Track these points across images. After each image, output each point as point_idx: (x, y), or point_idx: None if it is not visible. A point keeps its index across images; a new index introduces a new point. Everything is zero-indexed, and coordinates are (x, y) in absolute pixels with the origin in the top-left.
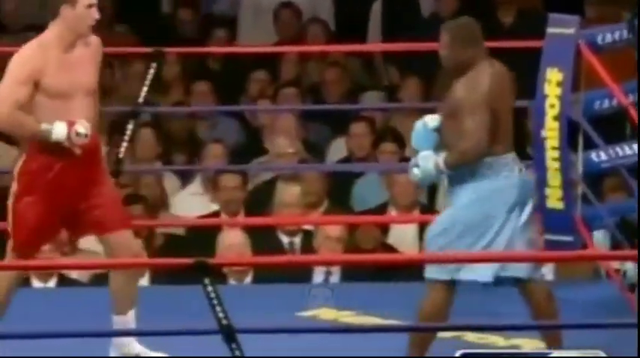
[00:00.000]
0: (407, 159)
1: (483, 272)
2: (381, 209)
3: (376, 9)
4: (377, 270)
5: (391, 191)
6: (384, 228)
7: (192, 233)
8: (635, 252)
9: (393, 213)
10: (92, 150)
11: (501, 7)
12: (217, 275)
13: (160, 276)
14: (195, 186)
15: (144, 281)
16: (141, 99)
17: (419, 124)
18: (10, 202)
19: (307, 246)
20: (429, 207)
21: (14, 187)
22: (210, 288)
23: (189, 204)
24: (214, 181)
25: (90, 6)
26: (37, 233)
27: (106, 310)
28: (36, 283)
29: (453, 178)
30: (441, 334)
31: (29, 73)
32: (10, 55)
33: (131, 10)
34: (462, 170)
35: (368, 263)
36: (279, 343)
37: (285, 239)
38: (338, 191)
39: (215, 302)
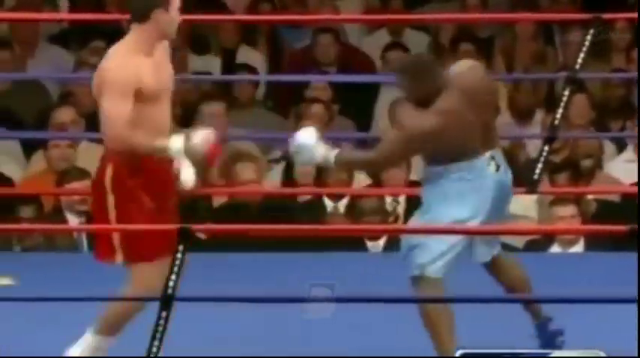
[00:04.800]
0: None
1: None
2: None
3: None
4: None
5: None
6: None
7: (627, 200)
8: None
9: None
10: None
11: None
12: None
13: (595, 243)
14: (629, 153)
15: (578, 247)
16: (577, 66)
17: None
18: (111, 217)
19: None
20: None
21: (110, 200)
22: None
23: (624, 170)
24: None
25: (179, 9)
26: (154, 237)
27: None
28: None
29: (427, 179)
30: None
31: (129, 84)
32: None
33: None
34: (436, 172)
35: None
36: None
37: None
38: None
39: None
